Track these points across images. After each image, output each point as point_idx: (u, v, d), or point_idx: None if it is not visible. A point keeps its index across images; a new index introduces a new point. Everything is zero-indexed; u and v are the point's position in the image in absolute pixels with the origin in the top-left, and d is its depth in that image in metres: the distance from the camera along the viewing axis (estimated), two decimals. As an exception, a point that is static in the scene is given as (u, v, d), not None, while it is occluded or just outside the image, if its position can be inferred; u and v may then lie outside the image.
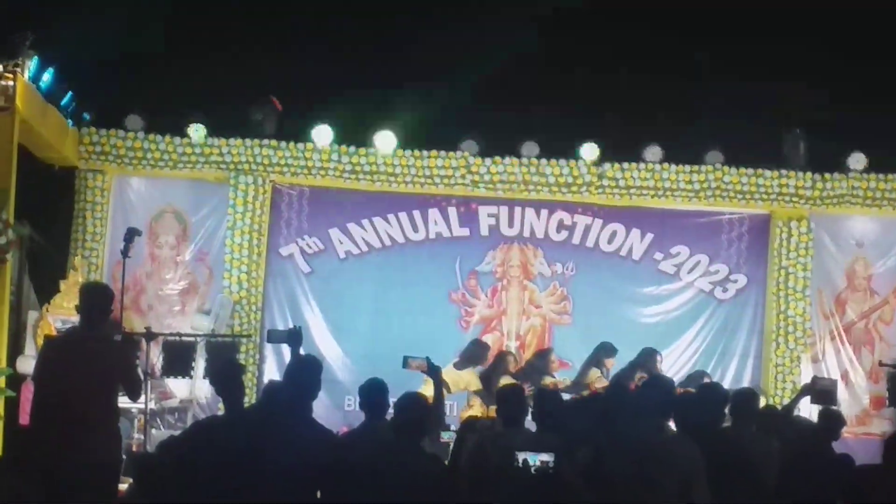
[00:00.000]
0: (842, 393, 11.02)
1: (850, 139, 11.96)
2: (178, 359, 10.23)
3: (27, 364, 9.86)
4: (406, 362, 8.95)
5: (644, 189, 12.09)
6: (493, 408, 8.13)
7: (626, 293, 12.36)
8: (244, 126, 11.88)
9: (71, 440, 6.48)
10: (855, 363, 12.27)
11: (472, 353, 10.79)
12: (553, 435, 6.11)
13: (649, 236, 12.33)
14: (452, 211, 12.25)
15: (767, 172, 12.10)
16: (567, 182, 12.04)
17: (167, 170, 11.87)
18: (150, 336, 9.69)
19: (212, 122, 11.76)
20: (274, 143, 11.90)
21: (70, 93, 10.80)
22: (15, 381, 9.76)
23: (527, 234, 12.33)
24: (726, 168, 12.09)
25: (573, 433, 6.10)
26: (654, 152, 12.02)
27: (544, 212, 12.29)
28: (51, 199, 11.55)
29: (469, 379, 10.39)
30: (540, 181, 12.02)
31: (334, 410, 11.22)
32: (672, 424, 6.12)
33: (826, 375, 11.42)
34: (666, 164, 12.04)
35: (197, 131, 11.69)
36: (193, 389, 11.13)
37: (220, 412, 8.51)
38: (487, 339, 11.79)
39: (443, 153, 12.01)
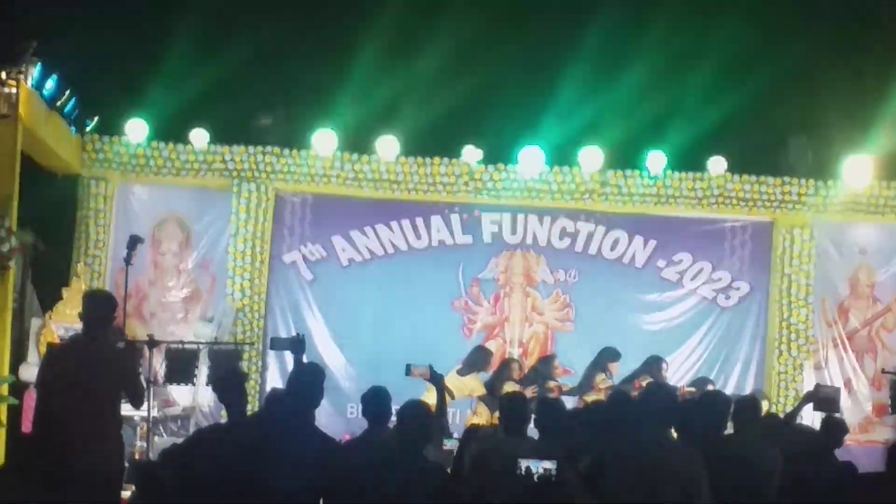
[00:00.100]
0: (844, 400, 11.02)
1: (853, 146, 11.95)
2: (181, 366, 10.21)
3: (30, 371, 9.86)
4: (409, 370, 8.99)
5: (647, 196, 12.09)
6: (497, 414, 8.14)
7: (628, 300, 12.34)
8: (247, 133, 11.88)
9: (73, 448, 6.48)
10: (858, 371, 12.25)
11: (475, 359, 10.76)
12: (555, 443, 6.11)
13: (652, 243, 12.31)
14: (455, 218, 12.24)
15: (770, 179, 12.10)
16: (570, 189, 12.05)
17: (170, 177, 11.88)
18: (153, 343, 9.68)
19: (215, 129, 11.77)
20: (277, 150, 11.90)
21: (73, 100, 10.79)
22: (18, 388, 9.74)
23: (529, 241, 12.31)
24: (729, 175, 12.09)
25: (575, 442, 6.11)
26: (656, 159, 12.02)
27: (547, 219, 12.28)
28: (54, 207, 11.51)
29: (472, 385, 10.38)
30: (543, 188, 12.03)
31: (337, 418, 11.23)
32: (674, 432, 6.12)
33: (829, 383, 11.46)
34: (669, 172, 12.05)
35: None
36: (196, 397, 11.15)
37: (223, 420, 8.54)
38: (490, 346, 11.76)
39: (446, 160, 12.01)
